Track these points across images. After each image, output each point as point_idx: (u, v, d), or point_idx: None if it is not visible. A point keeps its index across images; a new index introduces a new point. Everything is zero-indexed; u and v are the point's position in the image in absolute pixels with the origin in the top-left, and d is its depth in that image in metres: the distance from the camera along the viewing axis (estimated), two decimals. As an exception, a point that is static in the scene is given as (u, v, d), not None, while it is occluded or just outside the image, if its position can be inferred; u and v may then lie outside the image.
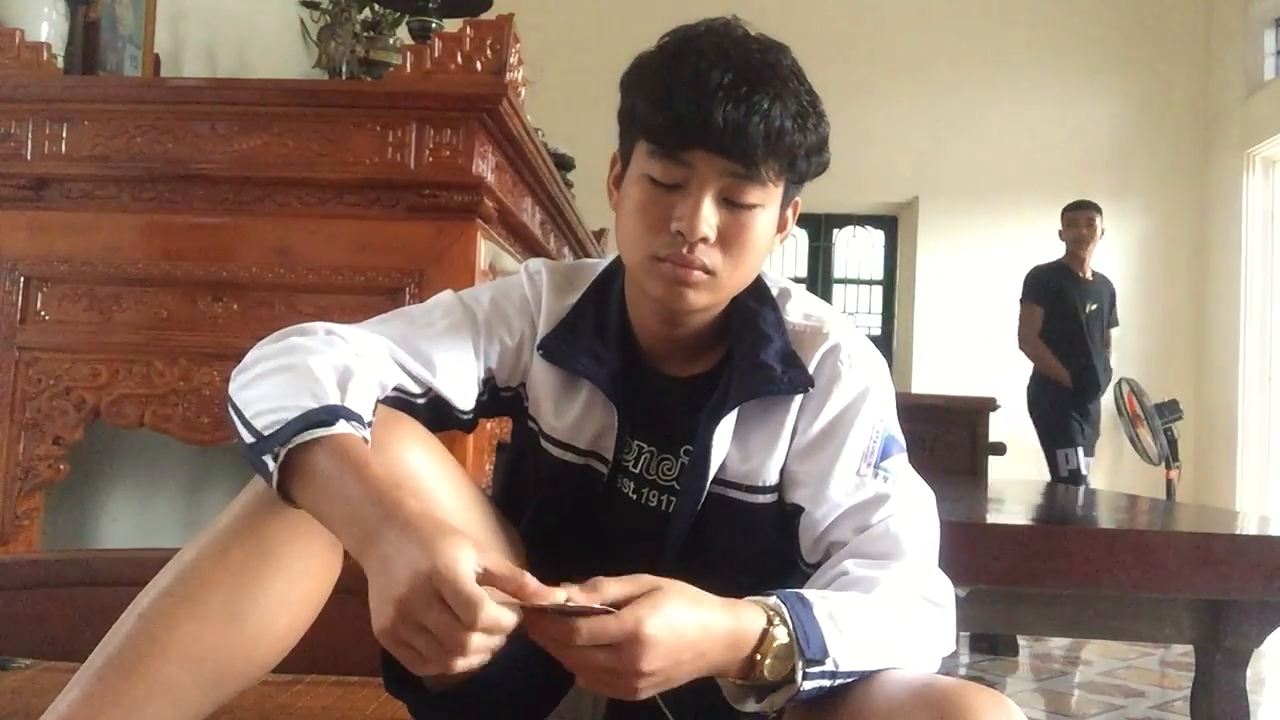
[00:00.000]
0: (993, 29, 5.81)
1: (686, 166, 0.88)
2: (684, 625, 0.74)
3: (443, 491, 0.93)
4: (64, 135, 1.65)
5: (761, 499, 0.97)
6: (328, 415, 0.80)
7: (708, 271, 0.90)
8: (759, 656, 0.78)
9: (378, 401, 0.91)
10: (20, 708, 1.11)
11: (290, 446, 0.79)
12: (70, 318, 1.66)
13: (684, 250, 0.89)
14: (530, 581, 0.71)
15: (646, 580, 0.75)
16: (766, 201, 0.91)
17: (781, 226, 0.97)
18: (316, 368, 0.85)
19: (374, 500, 0.75)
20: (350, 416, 0.82)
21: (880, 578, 0.87)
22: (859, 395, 0.96)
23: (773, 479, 0.97)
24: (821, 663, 0.78)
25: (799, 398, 0.96)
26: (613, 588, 0.73)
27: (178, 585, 0.83)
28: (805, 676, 0.77)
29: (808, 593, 0.83)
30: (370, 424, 0.86)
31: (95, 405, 1.64)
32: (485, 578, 0.70)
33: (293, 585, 0.84)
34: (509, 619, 0.69)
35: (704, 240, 0.89)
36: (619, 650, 0.71)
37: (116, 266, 1.65)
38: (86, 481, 2.04)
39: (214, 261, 1.63)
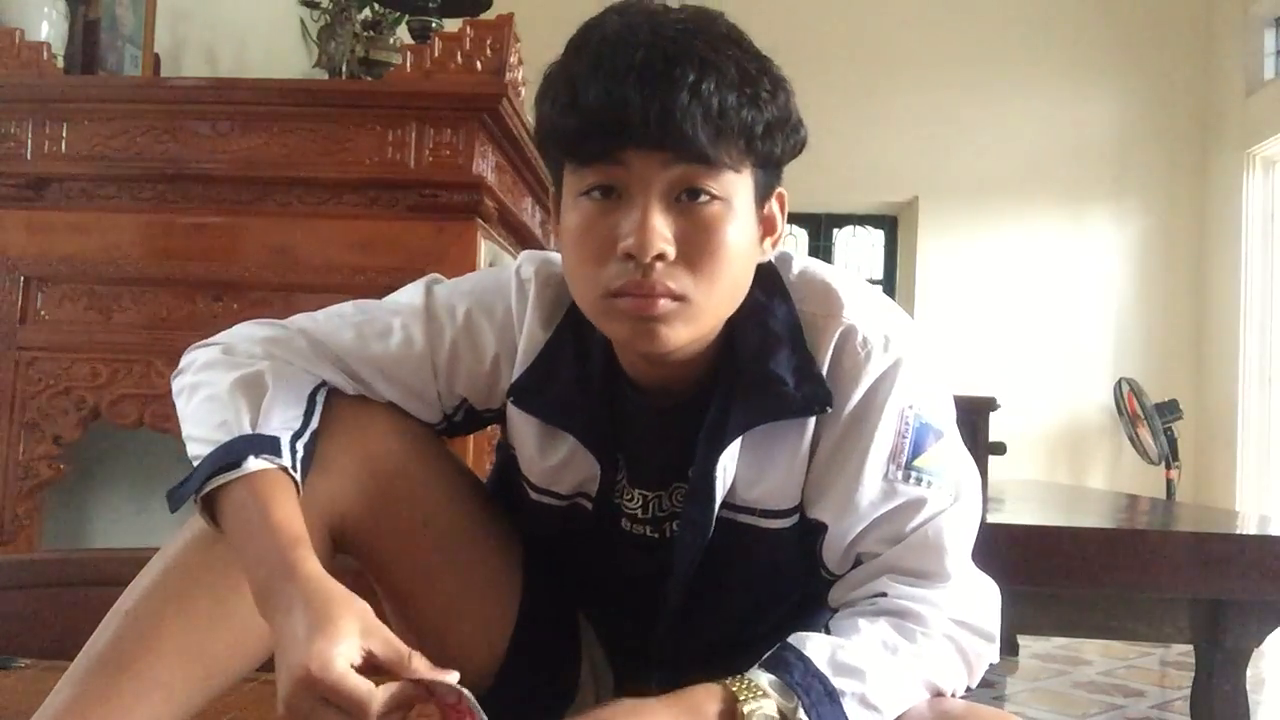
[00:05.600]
0: (993, 29, 5.80)
1: (620, 169, 0.73)
2: None
3: (426, 485, 0.90)
4: (64, 135, 1.65)
5: (780, 524, 0.85)
6: (236, 454, 0.78)
7: (675, 297, 0.74)
8: None
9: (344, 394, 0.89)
10: (20, 708, 1.10)
11: (204, 494, 0.78)
12: (70, 318, 1.66)
13: (640, 276, 0.73)
14: (419, 661, 0.67)
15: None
16: (729, 194, 0.75)
17: (769, 229, 0.82)
18: (235, 387, 0.82)
19: (271, 557, 0.72)
20: (262, 447, 0.78)
21: (924, 613, 0.79)
22: (877, 383, 0.81)
23: (791, 501, 0.85)
24: None
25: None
26: None
27: (164, 582, 0.83)
28: None
29: (838, 681, 0.73)
30: (301, 433, 0.82)
31: (95, 405, 1.64)
32: (369, 661, 0.66)
33: None
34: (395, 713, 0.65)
35: (661, 258, 0.73)
36: None
37: (116, 266, 1.65)
38: (86, 481, 2.03)
39: (214, 261, 1.64)
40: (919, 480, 0.82)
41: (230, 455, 0.78)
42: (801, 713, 0.71)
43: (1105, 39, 5.80)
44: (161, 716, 0.79)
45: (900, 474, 0.81)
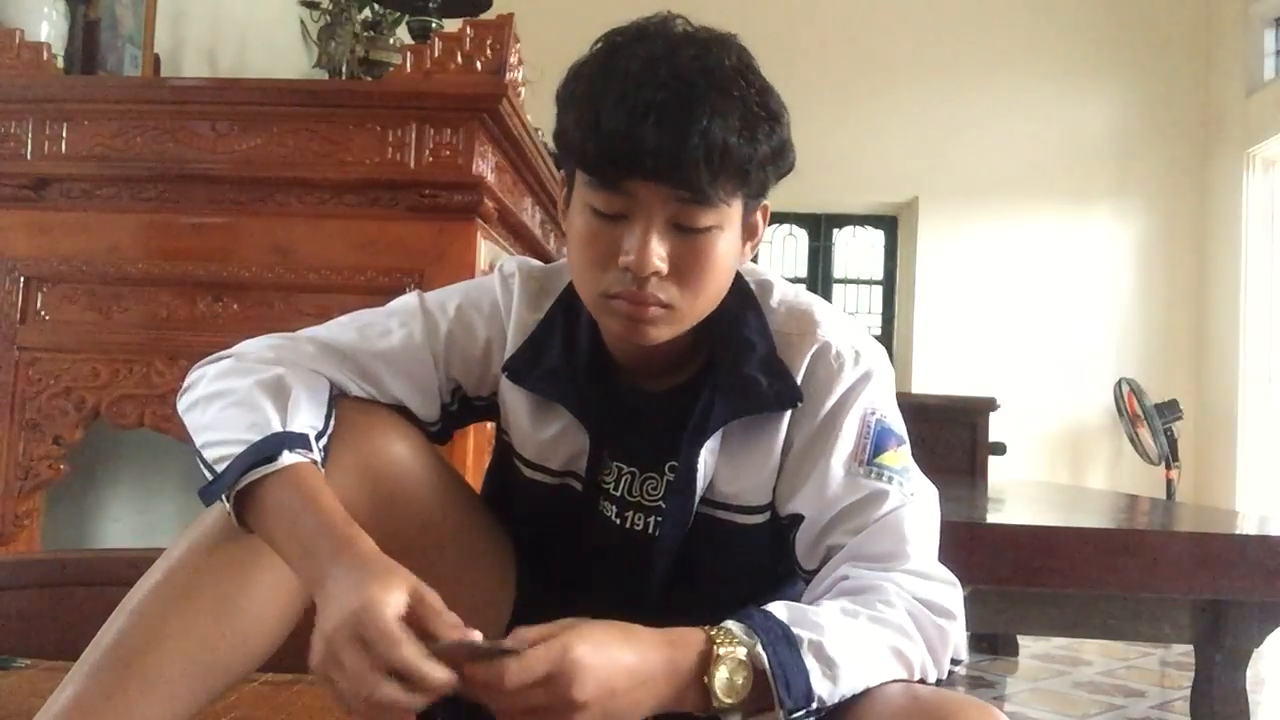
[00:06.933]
0: (993, 29, 5.80)
1: (627, 196, 0.82)
2: (615, 651, 0.71)
3: (425, 489, 0.93)
4: (64, 135, 1.65)
5: (753, 519, 0.92)
6: (272, 448, 0.80)
7: (664, 305, 0.84)
8: (706, 680, 0.73)
9: (349, 398, 0.92)
10: (20, 708, 1.10)
11: (239, 489, 0.80)
12: (70, 318, 1.66)
13: (636, 287, 0.83)
14: (451, 618, 0.70)
15: (570, 620, 0.73)
16: (722, 222, 0.84)
17: (750, 235, 0.90)
18: (257, 391, 0.85)
19: (326, 537, 0.75)
20: (294, 443, 0.82)
21: (884, 586, 0.82)
22: (848, 391, 0.90)
23: (764, 498, 0.92)
24: (806, 708, 0.74)
25: (789, 411, 0.90)
26: (534, 632, 0.70)
27: (168, 581, 0.84)
28: (788, 715, 0.74)
29: (797, 629, 0.76)
30: (323, 434, 0.86)
31: (95, 405, 1.64)
32: (411, 616, 0.69)
33: (281, 577, 0.84)
34: (427, 667, 0.67)
35: (656, 274, 0.82)
36: (549, 684, 0.68)
37: (116, 266, 1.65)
38: (86, 481, 2.04)
39: (214, 261, 1.64)
40: (880, 475, 0.88)
41: (265, 450, 0.80)
42: (760, 648, 0.74)
43: (1105, 39, 5.80)
44: (164, 714, 0.80)
45: (863, 469, 0.88)
